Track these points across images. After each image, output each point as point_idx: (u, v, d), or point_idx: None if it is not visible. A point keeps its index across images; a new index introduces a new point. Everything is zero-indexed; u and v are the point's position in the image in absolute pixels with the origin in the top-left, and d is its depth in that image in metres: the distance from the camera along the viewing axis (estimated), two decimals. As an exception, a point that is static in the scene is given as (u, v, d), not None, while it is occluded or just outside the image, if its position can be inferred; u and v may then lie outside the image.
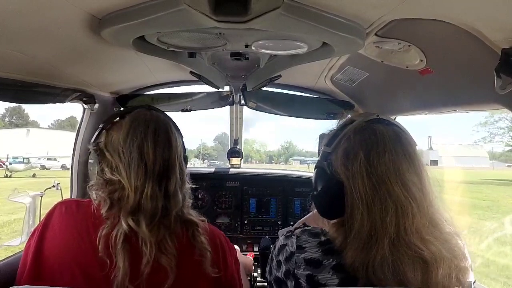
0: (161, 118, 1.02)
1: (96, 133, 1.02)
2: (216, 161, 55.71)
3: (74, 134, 1.88)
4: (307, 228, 0.89)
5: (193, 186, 1.07)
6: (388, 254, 0.71)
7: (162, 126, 1.00)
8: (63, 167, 29.41)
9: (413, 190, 0.74)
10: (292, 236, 0.86)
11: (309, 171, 2.60)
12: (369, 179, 0.75)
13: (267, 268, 0.94)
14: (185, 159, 1.07)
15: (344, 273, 0.75)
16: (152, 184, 0.92)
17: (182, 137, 1.07)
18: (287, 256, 0.84)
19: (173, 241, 0.92)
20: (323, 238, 0.83)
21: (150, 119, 1.00)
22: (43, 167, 28.37)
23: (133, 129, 0.96)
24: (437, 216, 0.76)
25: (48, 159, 30.18)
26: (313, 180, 0.87)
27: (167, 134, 0.99)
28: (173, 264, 0.89)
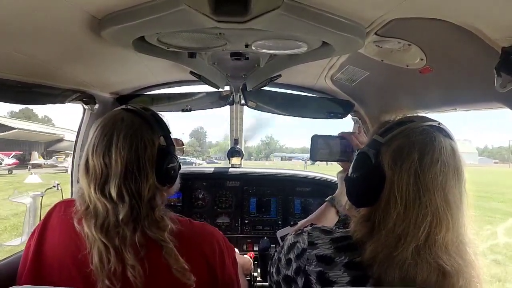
0: (113, 120, 0.96)
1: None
2: (188, 158, 43.83)
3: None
4: (318, 226, 0.89)
5: (165, 189, 1.02)
6: (409, 257, 0.71)
7: (107, 129, 0.95)
8: None
9: (453, 206, 0.74)
10: (303, 233, 0.86)
11: (307, 171, 2.59)
12: (415, 182, 0.74)
13: (273, 269, 0.93)
14: (161, 160, 0.98)
15: (356, 271, 0.76)
16: (94, 188, 0.91)
17: (161, 136, 1.00)
18: (298, 253, 0.84)
19: (131, 252, 0.88)
20: (336, 235, 0.83)
21: (101, 121, 0.97)
22: None
23: (90, 131, 0.97)
24: (465, 237, 0.77)
25: None
26: (352, 163, 0.86)
27: (108, 138, 0.93)
28: (138, 279, 0.86)
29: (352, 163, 0.87)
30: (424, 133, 0.78)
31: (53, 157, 26.59)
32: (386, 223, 0.75)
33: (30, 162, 24.82)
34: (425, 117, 0.84)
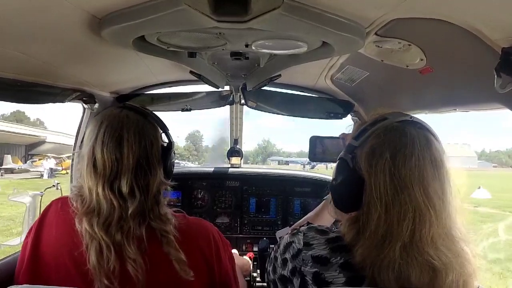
0: (119, 117, 0.97)
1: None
2: (182, 162, 40.73)
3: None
4: (313, 225, 0.89)
5: (171, 184, 1.04)
6: (398, 257, 0.71)
7: (115, 125, 0.95)
8: None
9: (434, 199, 0.73)
10: (299, 233, 0.86)
11: (310, 172, 2.59)
12: (391, 181, 0.74)
13: (270, 268, 0.93)
14: (164, 156, 1.02)
15: (351, 272, 0.75)
16: (102, 185, 0.91)
17: (161, 134, 1.04)
18: (294, 253, 0.83)
19: (134, 245, 0.89)
20: (331, 235, 0.83)
21: (105, 118, 0.97)
22: None
23: (91, 129, 0.97)
24: (453, 228, 0.75)
25: None
26: (334, 170, 0.86)
27: (118, 134, 0.94)
28: (139, 272, 0.87)
29: (334, 170, 0.86)
30: (394, 130, 0.78)
31: (28, 161, 24.67)
32: (369, 225, 0.75)
33: (3, 167, 23.07)
34: (399, 113, 0.83)
